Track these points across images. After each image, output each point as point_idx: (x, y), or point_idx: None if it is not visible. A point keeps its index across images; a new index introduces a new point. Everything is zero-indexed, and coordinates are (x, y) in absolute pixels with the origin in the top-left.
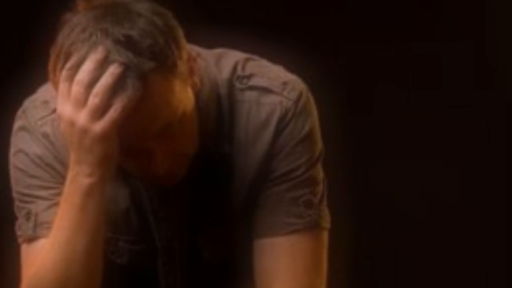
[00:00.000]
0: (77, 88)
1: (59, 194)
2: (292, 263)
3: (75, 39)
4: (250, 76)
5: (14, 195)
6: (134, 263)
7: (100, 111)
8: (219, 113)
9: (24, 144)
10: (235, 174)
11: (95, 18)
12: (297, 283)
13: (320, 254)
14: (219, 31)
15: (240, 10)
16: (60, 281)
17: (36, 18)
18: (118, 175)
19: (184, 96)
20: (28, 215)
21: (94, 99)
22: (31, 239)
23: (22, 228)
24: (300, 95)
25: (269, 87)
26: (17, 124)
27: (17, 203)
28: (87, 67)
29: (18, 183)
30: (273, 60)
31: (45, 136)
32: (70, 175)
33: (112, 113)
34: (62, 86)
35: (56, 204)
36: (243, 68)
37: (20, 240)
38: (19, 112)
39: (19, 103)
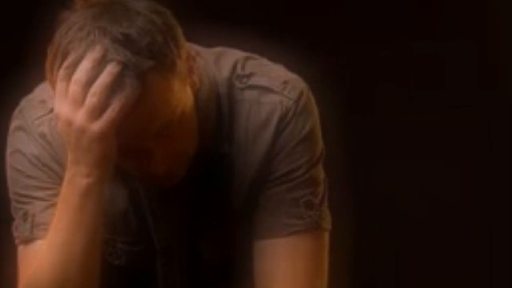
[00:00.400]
0: (74, 87)
1: (56, 195)
2: (292, 265)
3: (72, 38)
4: (250, 75)
5: (11, 195)
6: (132, 264)
7: (98, 111)
8: (218, 112)
9: (21, 144)
10: (235, 174)
11: (93, 16)
12: (297, 285)
13: (321, 255)
14: (218, 30)
15: (240, 9)
16: (58, 283)
17: (33, 16)
18: (116, 175)
19: (183, 96)
20: (25, 216)
21: (91, 99)
22: (28, 241)
23: (19, 229)
24: (301, 94)
25: (269, 86)
26: (14, 123)
27: (14, 204)
28: (85, 66)
29: (15, 184)
30: (273, 59)
31: (42, 136)
32: (67, 175)
33: (110, 112)
34: (60, 85)
35: (53, 205)
36: (243, 67)
37: (17, 241)
38: (16, 111)
39: (16, 102)
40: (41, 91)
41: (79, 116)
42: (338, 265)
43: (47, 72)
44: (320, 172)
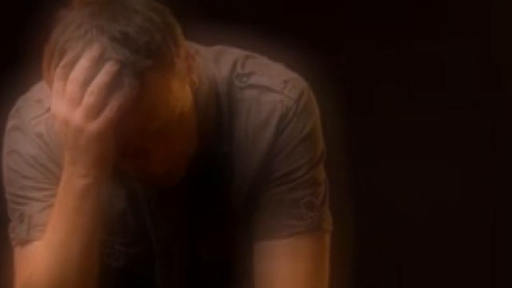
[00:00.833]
0: (71, 86)
1: (53, 196)
2: (293, 266)
3: (69, 36)
4: (250, 74)
5: (7, 196)
6: (131, 266)
7: (95, 110)
8: (218, 112)
9: (17, 144)
10: (235, 174)
11: (91, 14)
12: (298, 287)
13: (322, 257)
14: (218, 28)
15: (240, 7)
16: (55, 285)
17: (30, 14)
18: (114, 175)
19: (182, 95)
20: (21, 217)
21: (89, 98)
22: (24, 242)
23: (15, 230)
24: (302, 93)
25: (270, 86)
26: (10, 123)
27: (10, 204)
28: (82, 64)
29: (11, 184)
30: (273, 58)
31: (39, 136)
32: (64, 176)
33: (108, 112)
34: (57, 84)
35: (50, 206)
36: (243, 66)
37: (13, 243)
38: (12, 111)
39: (12, 102)
40: (38, 90)
41: (77, 116)
42: (339, 267)
43: (44, 71)
44: (321, 173)
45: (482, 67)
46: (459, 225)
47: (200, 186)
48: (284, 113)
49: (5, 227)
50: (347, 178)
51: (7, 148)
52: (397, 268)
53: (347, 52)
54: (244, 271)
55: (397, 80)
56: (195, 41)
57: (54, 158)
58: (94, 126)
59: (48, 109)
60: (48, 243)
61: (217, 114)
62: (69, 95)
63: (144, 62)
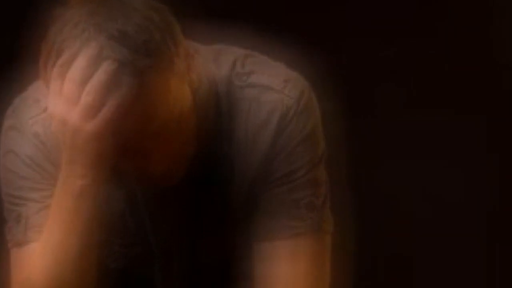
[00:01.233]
0: (69, 86)
1: (50, 196)
2: (293, 268)
3: (67, 35)
4: (250, 73)
5: (4, 197)
6: (129, 267)
7: (93, 110)
8: (217, 111)
9: (14, 144)
10: (235, 174)
11: (88, 13)
12: None
13: (322, 258)
14: (217, 27)
15: (240, 6)
16: (53, 287)
17: (27, 13)
18: (113, 175)
19: (181, 94)
20: (18, 218)
21: (86, 98)
22: (21, 243)
23: (12, 231)
24: (302, 93)
25: (270, 85)
26: (7, 123)
27: (6, 205)
28: (80, 64)
29: (7, 185)
30: (273, 58)
31: (36, 135)
32: (61, 176)
33: (106, 112)
34: (54, 83)
35: (47, 207)
36: (243, 65)
37: (10, 244)
38: (9, 110)
39: (9, 101)
40: (35, 89)
41: (74, 116)
42: (340, 268)
43: (41, 70)
44: (321, 173)
45: (482, 67)
46: (461, 225)
47: (200, 186)
48: (285, 112)
49: (1, 228)
50: (348, 179)
51: (3, 148)
52: (398, 269)
53: (347, 52)
54: (243, 272)
55: (397, 80)
56: (195, 40)
57: (51, 158)
58: (91, 126)
59: (45, 109)
60: (45, 244)
61: (217, 113)
62: (67, 94)
63: (142, 61)
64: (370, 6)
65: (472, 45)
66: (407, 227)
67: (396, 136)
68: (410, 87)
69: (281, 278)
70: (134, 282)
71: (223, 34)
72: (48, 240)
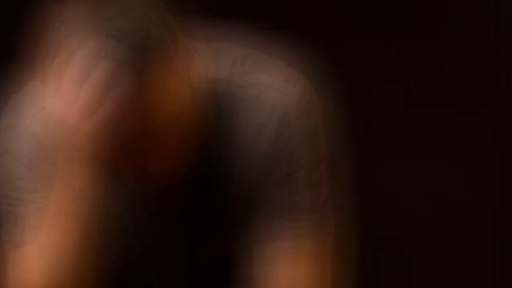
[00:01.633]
0: (67, 85)
1: (48, 197)
2: (293, 269)
3: (65, 34)
4: (250, 73)
5: (1, 198)
6: (128, 268)
7: (91, 109)
8: (217, 111)
9: (11, 144)
10: (235, 174)
11: (86, 11)
12: None
13: (323, 259)
14: (217, 26)
15: (239, 5)
16: None
17: (24, 11)
18: (111, 176)
19: (180, 94)
20: (15, 219)
21: (85, 97)
22: (18, 245)
23: (9, 233)
24: (303, 92)
25: (270, 84)
26: (4, 122)
27: (3, 206)
28: (78, 63)
29: (4, 186)
30: (274, 57)
31: (34, 135)
32: (59, 176)
33: (104, 111)
34: (52, 83)
35: (45, 207)
36: (243, 63)
37: (6, 246)
38: (6, 110)
39: (5, 100)
40: (33, 89)
41: (72, 115)
42: (341, 269)
43: (39, 70)
44: (323, 174)
45: (482, 67)
46: (461, 225)
47: (200, 187)
48: (285, 112)
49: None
50: (348, 179)
51: (0, 149)
52: (399, 269)
53: (347, 52)
54: (243, 274)
55: (397, 80)
56: (194, 38)
57: (49, 158)
58: (90, 125)
59: (43, 108)
60: (43, 246)
61: (217, 113)
62: (65, 94)
63: (141, 61)
64: (370, 6)
65: (472, 45)
66: (407, 227)
67: (396, 136)
68: (410, 87)
69: (281, 279)
70: (133, 283)
71: (223, 33)
72: (45, 241)
